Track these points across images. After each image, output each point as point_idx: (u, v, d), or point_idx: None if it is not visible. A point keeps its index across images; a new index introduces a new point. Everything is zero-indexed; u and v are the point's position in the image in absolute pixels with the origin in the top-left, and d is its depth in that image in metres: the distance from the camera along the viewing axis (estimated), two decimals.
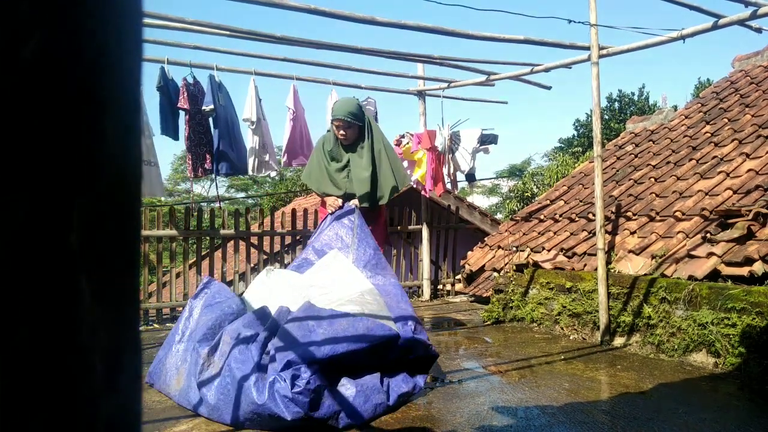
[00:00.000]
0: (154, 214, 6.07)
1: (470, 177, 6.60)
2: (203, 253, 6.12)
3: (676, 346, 3.90)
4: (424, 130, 6.53)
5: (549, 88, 6.61)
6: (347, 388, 2.79)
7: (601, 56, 4.79)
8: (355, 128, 3.87)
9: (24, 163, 0.36)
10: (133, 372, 0.44)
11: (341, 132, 3.86)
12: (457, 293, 7.40)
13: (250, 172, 5.98)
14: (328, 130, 4.10)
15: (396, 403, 2.89)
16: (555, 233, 5.96)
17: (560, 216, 6.21)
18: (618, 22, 24.84)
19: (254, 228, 6.37)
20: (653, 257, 4.49)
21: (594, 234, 4.99)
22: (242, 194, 30.33)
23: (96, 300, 0.40)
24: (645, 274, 4.36)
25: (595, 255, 4.76)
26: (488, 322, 5.42)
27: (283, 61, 5.53)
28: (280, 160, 6.50)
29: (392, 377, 2.95)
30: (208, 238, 6.09)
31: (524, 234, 6.40)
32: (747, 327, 3.46)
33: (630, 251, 4.71)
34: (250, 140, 5.89)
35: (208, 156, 5.67)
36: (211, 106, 5.51)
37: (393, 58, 5.70)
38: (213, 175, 5.80)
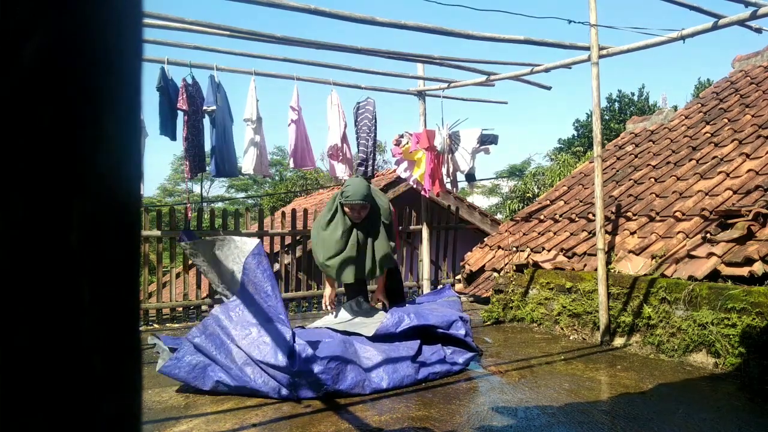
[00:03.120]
0: (154, 214, 6.06)
1: (470, 177, 6.60)
2: None
3: (676, 347, 3.90)
4: (423, 130, 6.53)
5: (549, 88, 6.61)
6: (376, 359, 3.40)
7: (601, 56, 4.80)
8: (368, 208, 4.11)
9: (24, 163, 0.36)
10: (133, 372, 0.44)
11: (356, 213, 4.07)
12: (457, 293, 7.39)
13: (251, 172, 5.98)
14: (330, 210, 4.22)
15: (424, 378, 3.48)
16: (555, 233, 5.96)
17: (560, 216, 6.21)
18: (618, 22, 24.84)
19: (254, 228, 6.37)
20: (653, 257, 4.49)
21: (594, 234, 4.99)
22: (242, 194, 30.34)
23: (96, 300, 0.40)
24: (645, 275, 4.35)
25: (595, 255, 4.76)
26: (488, 322, 5.42)
27: (283, 61, 5.52)
28: (281, 161, 6.52)
29: (428, 358, 3.58)
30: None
31: (524, 234, 6.40)
32: (747, 327, 3.46)
33: (630, 251, 4.71)
34: (250, 140, 5.89)
35: (202, 157, 5.66)
36: (213, 107, 5.51)
37: (393, 58, 5.70)
38: (210, 176, 5.82)
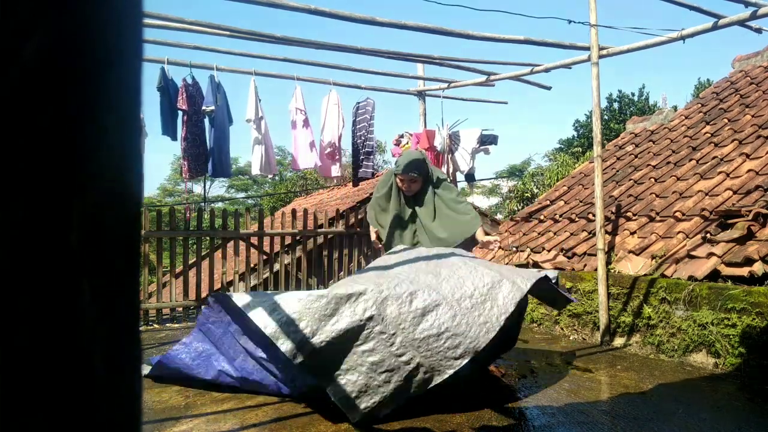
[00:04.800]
0: (154, 214, 6.07)
1: (470, 177, 6.60)
2: (203, 253, 6.13)
3: (676, 347, 3.90)
4: (423, 130, 6.53)
5: (549, 88, 6.61)
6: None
7: (601, 56, 4.80)
8: (419, 181, 3.97)
9: (24, 163, 0.36)
10: (133, 372, 0.44)
11: (405, 184, 3.95)
12: None
13: (258, 172, 5.98)
14: (386, 182, 4.12)
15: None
16: (555, 233, 5.96)
17: (560, 216, 6.21)
18: (618, 22, 24.85)
19: (254, 228, 6.37)
20: (653, 257, 4.49)
21: (594, 234, 4.99)
22: (242, 194, 30.35)
23: (96, 300, 0.40)
24: (645, 275, 4.36)
25: (595, 255, 4.76)
26: None
27: (283, 62, 5.53)
28: (281, 161, 6.48)
29: None
30: (208, 238, 6.09)
31: (524, 234, 6.40)
32: (747, 327, 3.46)
33: (630, 251, 4.71)
34: (255, 139, 5.89)
35: (203, 157, 5.66)
36: (212, 107, 5.52)
37: (393, 58, 5.70)
38: (209, 176, 5.81)
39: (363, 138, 6.41)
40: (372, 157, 6.54)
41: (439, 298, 2.77)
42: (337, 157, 6.26)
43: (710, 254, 4.01)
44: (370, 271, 3.07)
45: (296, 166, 6.34)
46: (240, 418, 2.86)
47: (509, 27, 57.54)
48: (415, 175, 3.86)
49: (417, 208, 4.02)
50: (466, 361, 2.69)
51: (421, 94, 6.91)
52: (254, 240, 6.37)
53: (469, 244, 4.02)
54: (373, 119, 6.45)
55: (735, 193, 4.69)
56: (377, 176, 6.83)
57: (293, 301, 2.69)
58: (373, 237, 4.22)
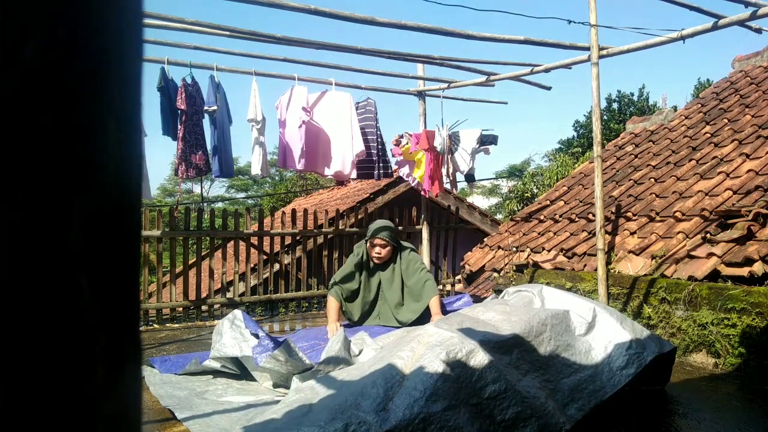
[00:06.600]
0: (154, 214, 6.06)
1: (469, 177, 6.60)
2: (203, 253, 6.13)
3: (676, 347, 3.90)
4: (423, 131, 6.53)
5: (549, 88, 6.61)
6: None
7: (601, 57, 4.79)
8: (390, 248, 3.98)
9: (25, 163, 0.36)
10: (133, 372, 0.44)
11: (377, 250, 3.95)
12: (457, 294, 7.39)
13: (258, 173, 5.95)
14: (357, 254, 4.10)
15: None
16: (555, 234, 5.96)
17: (560, 216, 6.21)
18: (618, 22, 24.86)
19: (254, 228, 6.37)
20: (653, 257, 4.49)
21: (594, 234, 4.99)
22: (242, 194, 30.37)
23: (96, 300, 0.40)
24: (645, 275, 4.36)
25: (595, 255, 4.76)
26: None
27: (283, 62, 5.52)
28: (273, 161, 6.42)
29: None
30: (208, 238, 6.09)
31: (524, 234, 6.40)
32: (747, 327, 3.46)
33: (630, 251, 4.71)
34: (255, 140, 5.87)
35: (202, 157, 5.62)
36: (214, 107, 5.51)
37: (393, 58, 5.70)
38: (211, 176, 5.80)
39: (373, 140, 6.37)
40: (386, 156, 6.55)
41: None
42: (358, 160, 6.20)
43: (710, 254, 4.01)
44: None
45: (289, 165, 6.13)
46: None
47: (509, 27, 57.58)
48: (387, 240, 3.90)
49: (382, 282, 4.04)
50: None
51: (421, 94, 6.91)
52: (254, 240, 6.37)
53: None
54: (378, 121, 6.44)
55: (735, 193, 4.69)
56: (395, 172, 6.81)
57: None
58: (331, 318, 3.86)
